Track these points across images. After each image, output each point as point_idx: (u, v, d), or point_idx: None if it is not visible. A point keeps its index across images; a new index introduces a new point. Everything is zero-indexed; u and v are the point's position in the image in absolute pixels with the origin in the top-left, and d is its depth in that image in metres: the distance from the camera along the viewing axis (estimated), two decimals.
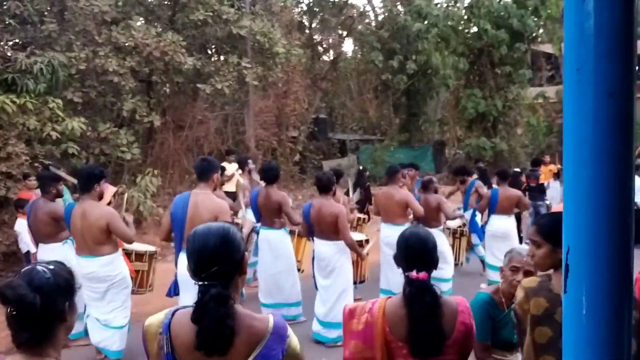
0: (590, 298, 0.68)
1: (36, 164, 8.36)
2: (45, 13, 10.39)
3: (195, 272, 1.76)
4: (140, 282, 5.60)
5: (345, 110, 22.08)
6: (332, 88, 20.89)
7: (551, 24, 17.96)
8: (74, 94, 9.64)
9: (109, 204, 7.73)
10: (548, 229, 2.31)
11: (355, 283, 6.11)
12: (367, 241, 6.39)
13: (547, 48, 21.77)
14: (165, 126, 12.17)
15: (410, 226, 4.91)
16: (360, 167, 11.54)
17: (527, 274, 2.69)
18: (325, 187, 5.65)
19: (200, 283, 1.74)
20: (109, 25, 10.38)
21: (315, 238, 5.78)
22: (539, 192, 10.19)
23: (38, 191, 7.61)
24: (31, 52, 8.94)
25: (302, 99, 17.39)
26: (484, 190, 8.53)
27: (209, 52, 13.57)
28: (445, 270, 6.72)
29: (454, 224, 7.70)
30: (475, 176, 10.09)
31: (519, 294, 2.27)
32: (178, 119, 12.93)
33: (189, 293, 4.29)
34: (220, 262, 1.74)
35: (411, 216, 6.81)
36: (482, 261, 8.28)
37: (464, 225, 7.95)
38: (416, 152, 20.00)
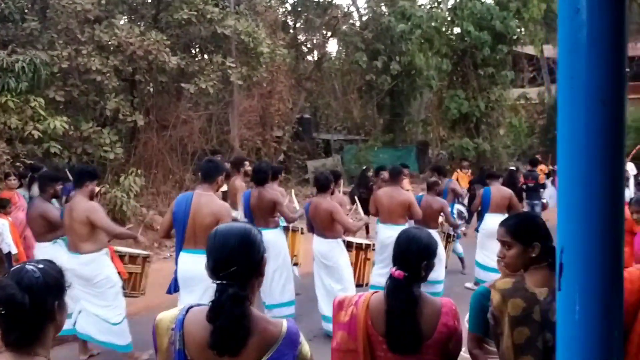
0: (583, 296, 0.71)
1: (17, 164, 8.25)
2: (27, 11, 10.27)
3: (214, 270, 1.77)
4: (134, 285, 5.58)
5: (330, 110, 22.12)
6: (316, 88, 20.91)
7: (533, 26, 18.17)
8: (56, 93, 9.53)
9: None
10: (517, 229, 2.32)
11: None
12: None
13: (529, 50, 22.04)
14: (148, 126, 12.07)
15: (413, 226, 5.02)
16: (364, 167, 11.49)
17: None
18: (323, 186, 5.78)
19: (217, 282, 1.74)
20: (91, 23, 10.27)
21: (314, 235, 5.93)
22: (534, 191, 10.53)
23: (19, 191, 7.53)
24: (12, 50, 8.84)
25: (286, 98, 17.38)
26: (458, 188, 8.64)
27: (193, 51, 13.49)
28: (439, 272, 6.77)
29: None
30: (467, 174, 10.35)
31: (495, 297, 2.27)
32: (162, 119, 12.83)
33: (188, 291, 4.50)
34: (238, 263, 1.74)
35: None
36: (461, 258, 8.37)
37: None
38: (400, 152, 20.10)
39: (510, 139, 20.58)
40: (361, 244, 6.33)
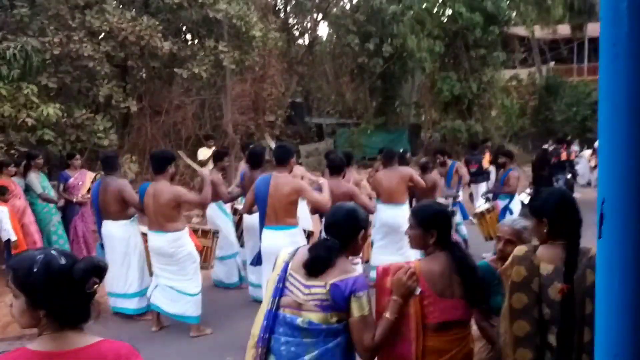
0: (623, 244, 0.77)
1: (12, 151, 8.22)
2: None
3: (324, 229, 2.66)
4: (205, 257, 5.96)
5: (322, 94, 22.06)
6: (308, 72, 20.81)
7: (524, 7, 18.17)
8: (49, 80, 9.43)
9: (88, 190, 7.70)
10: (532, 205, 2.53)
11: None
12: None
13: (520, 31, 22.05)
14: (141, 112, 12.02)
15: None
16: (401, 150, 11.51)
17: (508, 242, 2.85)
18: (337, 168, 5.83)
19: (323, 236, 2.64)
20: (82, 9, 10.16)
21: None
22: (560, 167, 11.59)
23: (14, 178, 7.50)
24: (3, 37, 8.73)
25: (278, 83, 17.31)
26: (464, 170, 8.72)
27: (185, 36, 13.39)
28: None
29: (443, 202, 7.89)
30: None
31: (509, 259, 2.41)
32: (155, 104, 12.78)
33: (269, 264, 4.80)
34: (338, 229, 2.56)
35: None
36: (465, 240, 8.46)
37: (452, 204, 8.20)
38: (392, 135, 20.13)
39: (502, 120, 20.67)
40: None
